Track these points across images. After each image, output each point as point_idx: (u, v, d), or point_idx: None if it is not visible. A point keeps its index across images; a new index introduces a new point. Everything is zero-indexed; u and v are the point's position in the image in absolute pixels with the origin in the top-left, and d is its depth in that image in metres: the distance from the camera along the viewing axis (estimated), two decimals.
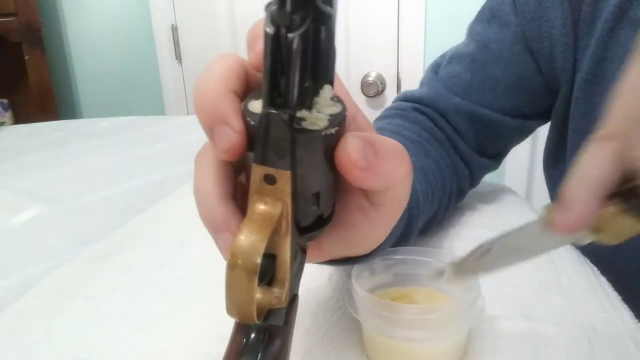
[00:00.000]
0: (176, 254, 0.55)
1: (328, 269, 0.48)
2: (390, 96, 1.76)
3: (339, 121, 0.23)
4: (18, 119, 1.99)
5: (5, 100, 1.99)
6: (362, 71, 1.78)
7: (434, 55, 0.66)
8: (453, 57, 0.61)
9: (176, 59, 1.97)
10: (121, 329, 0.43)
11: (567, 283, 0.45)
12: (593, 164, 0.26)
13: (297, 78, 0.21)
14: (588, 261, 0.49)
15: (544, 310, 0.42)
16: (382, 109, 0.64)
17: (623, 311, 0.41)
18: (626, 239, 0.26)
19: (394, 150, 0.25)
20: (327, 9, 0.21)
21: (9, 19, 1.83)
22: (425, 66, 1.58)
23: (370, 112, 1.75)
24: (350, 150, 0.23)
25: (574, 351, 0.37)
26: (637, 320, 0.40)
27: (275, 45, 0.21)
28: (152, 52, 1.99)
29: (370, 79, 1.76)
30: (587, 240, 0.27)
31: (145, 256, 0.55)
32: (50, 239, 0.62)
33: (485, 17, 0.59)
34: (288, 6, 0.20)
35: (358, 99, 1.77)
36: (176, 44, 1.95)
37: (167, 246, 0.57)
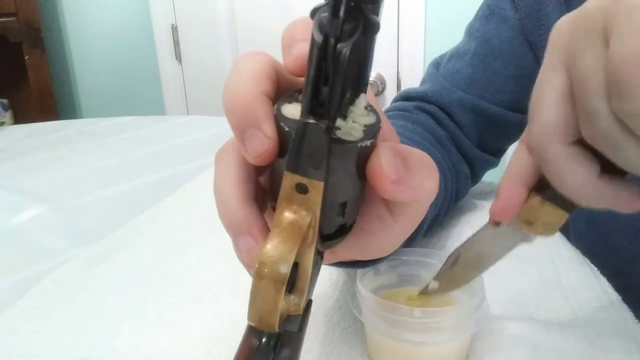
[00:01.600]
0: (176, 253, 0.55)
1: (330, 269, 0.48)
2: (390, 96, 1.76)
3: (374, 132, 0.23)
4: (18, 119, 1.99)
5: (5, 100, 1.99)
6: None
7: (433, 56, 0.66)
8: (453, 55, 0.61)
9: (176, 59, 1.97)
10: (121, 329, 0.43)
11: (567, 283, 0.45)
12: (516, 160, 0.30)
13: (340, 89, 0.20)
14: (588, 261, 0.49)
15: (545, 310, 0.42)
16: (382, 109, 0.64)
17: (623, 311, 0.41)
18: (558, 228, 0.30)
19: (423, 163, 0.24)
20: (376, 19, 0.21)
21: (9, 19, 1.83)
22: (425, 66, 1.58)
23: None
24: (383, 162, 0.23)
25: (574, 351, 0.37)
26: (637, 320, 0.40)
27: (322, 54, 0.20)
28: (152, 52, 1.99)
29: (370, 79, 1.76)
30: (529, 235, 0.31)
31: (145, 256, 0.55)
32: (50, 239, 0.62)
33: (484, 14, 0.60)
34: (341, 15, 0.19)
35: None
36: (176, 44, 1.95)
37: (167, 246, 0.57)
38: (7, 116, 2.00)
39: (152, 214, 0.65)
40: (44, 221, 0.66)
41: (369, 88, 0.25)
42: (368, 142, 0.22)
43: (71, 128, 1.17)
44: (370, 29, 0.20)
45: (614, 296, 0.43)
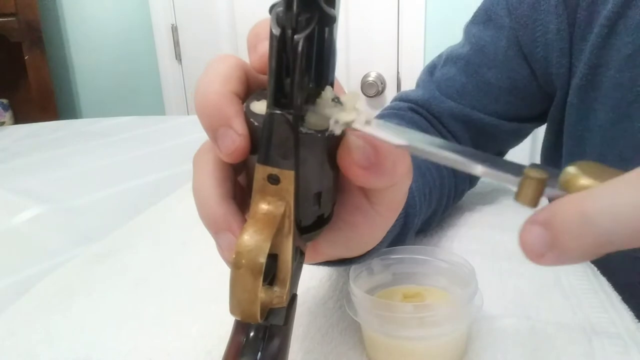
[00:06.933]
0: (176, 254, 0.55)
1: (329, 270, 0.48)
2: (390, 96, 1.76)
3: None
4: (18, 119, 1.99)
5: (5, 100, 1.99)
6: (362, 71, 1.78)
7: (433, 55, 0.66)
8: (449, 59, 0.61)
9: (176, 59, 1.97)
10: (121, 329, 0.43)
11: (567, 283, 0.45)
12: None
13: (301, 79, 0.21)
14: (588, 261, 0.49)
15: (544, 310, 0.42)
16: (379, 110, 0.64)
17: (623, 311, 0.41)
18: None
19: (394, 149, 0.25)
20: (331, 11, 0.21)
21: (9, 19, 1.83)
22: (424, 66, 1.57)
23: (370, 112, 1.75)
24: (352, 149, 0.23)
25: (574, 351, 0.37)
26: (637, 320, 0.40)
27: (281, 47, 0.21)
28: (152, 52, 1.99)
29: (370, 79, 1.76)
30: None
31: (145, 256, 0.55)
32: (50, 239, 0.62)
33: (481, 18, 0.59)
34: (294, 8, 0.20)
35: None
36: (176, 44, 1.95)
37: (167, 246, 0.57)
38: (7, 116, 2.00)
39: (152, 214, 0.65)
40: (44, 221, 0.66)
41: (335, 79, 0.25)
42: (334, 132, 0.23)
43: (71, 128, 1.17)
44: (325, 20, 0.21)
45: (614, 296, 0.43)
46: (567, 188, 0.19)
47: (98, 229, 0.62)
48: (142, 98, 2.08)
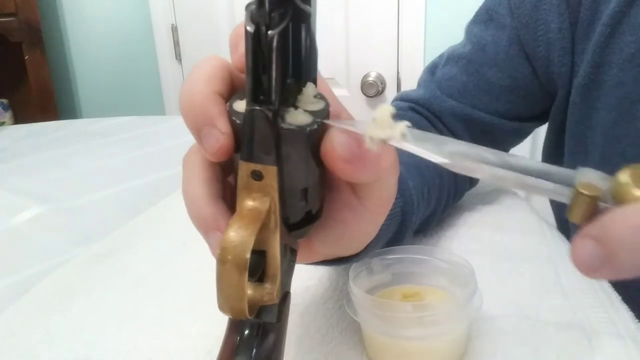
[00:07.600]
0: (176, 254, 0.55)
1: (327, 269, 0.48)
2: (390, 96, 1.76)
3: (322, 117, 0.24)
4: (18, 119, 1.99)
5: (5, 100, 1.99)
6: (362, 71, 1.78)
7: (433, 55, 0.66)
8: (450, 58, 0.61)
9: (176, 59, 1.97)
10: (121, 329, 0.43)
11: (567, 283, 0.45)
12: None
13: (278, 75, 0.21)
14: None
15: (544, 310, 0.42)
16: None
17: (623, 311, 0.41)
18: None
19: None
20: (306, 7, 0.22)
21: (9, 19, 1.83)
22: (425, 66, 1.56)
23: (370, 112, 1.75)
24: (335, 143, 0.23)
25: (573, 351, 0.37)
26: (637, 320, 0.40)
27: (256, 43, 0.21)
28: (152, 52, 1.99)
29: (370, 79, 1.76)
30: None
31: (145, 256, 0.55)
32: (50, 239, 0.62)
33: (482, 18, 0.59)
34: (266, 4, 0.20)
35: (358, 99, 1.77)
36: (176, 44, 1.95)
37: (167, 246, 0.57)
38: (7, 116, 2.00)
39: (152, 214, 0.65)
40: (44, 221, 0.66)
41: (319, 77, 0.26)
42: (315, 127, 0.23)
43: (71, 128, 1.17)
44: (300, 15, 0.22)
45: (614, 296, 0.43)
46: (620, 199, 0.19)
47: (98, 229, 0.62)
48: (142, 98, 2.08)
